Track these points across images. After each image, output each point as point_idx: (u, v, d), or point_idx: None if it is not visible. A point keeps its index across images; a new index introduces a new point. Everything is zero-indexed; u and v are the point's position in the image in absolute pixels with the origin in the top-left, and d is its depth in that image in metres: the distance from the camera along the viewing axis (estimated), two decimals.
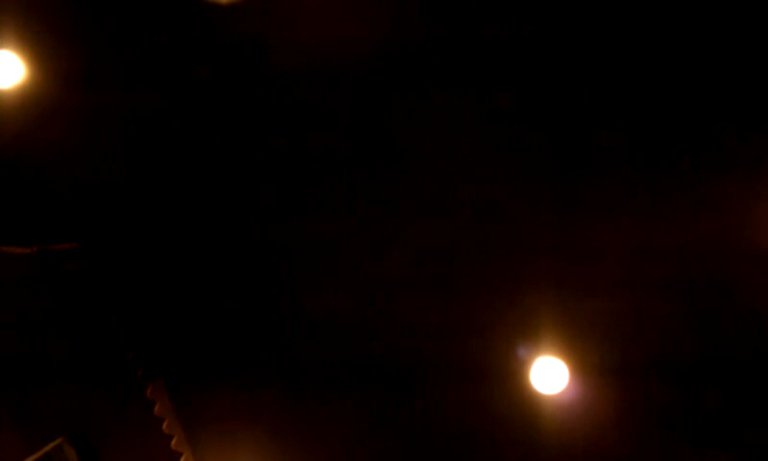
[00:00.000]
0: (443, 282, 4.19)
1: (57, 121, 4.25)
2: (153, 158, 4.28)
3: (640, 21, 4.16)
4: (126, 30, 4.29)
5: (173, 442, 3.96)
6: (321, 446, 4.15)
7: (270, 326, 4.21)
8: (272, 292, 4.23)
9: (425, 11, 4.24)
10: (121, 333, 4.04)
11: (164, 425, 3.97)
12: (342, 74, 4.26)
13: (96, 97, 4.28)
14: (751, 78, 4.11)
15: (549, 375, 4.09)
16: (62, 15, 4.28)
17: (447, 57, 4.24)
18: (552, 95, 4.19)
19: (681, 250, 4.10)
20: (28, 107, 4.24)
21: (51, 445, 3.84)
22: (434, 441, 4.17)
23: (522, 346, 4.12)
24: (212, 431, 4.09)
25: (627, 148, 4.15)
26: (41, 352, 3.98)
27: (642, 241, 4.11)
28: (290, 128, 4.28)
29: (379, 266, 4.21)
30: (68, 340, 4.00)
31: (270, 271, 4.24)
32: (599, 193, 4.15)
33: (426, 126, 4.24)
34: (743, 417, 4.07)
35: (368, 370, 4.17)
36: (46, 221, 4.21)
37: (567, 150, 4.18)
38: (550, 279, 4.12)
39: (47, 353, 3.98)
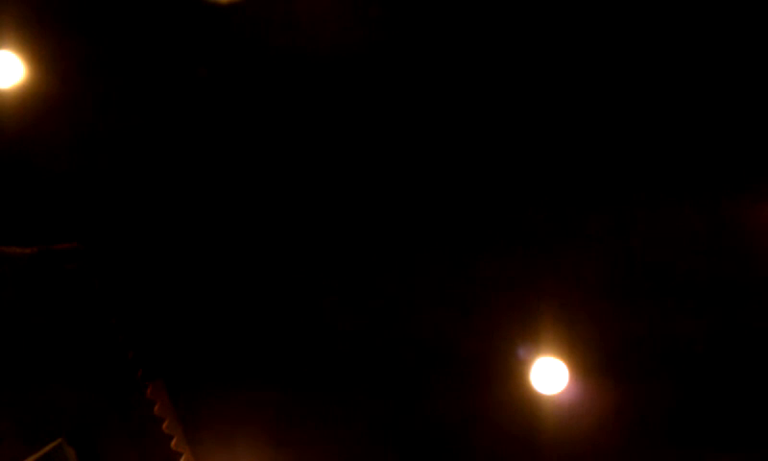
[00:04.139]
0: (443, 283, 4.19)
1: (57, 121, 4.25)
2: (153, 158, 4.28)
3: (641, 22, 4.17)
4: (126, 30, 4.29)
5: (173, 442, 3.96)
6: (321, 446, 4.15)
7: (270, 326, 4.21)
8: (271, 292, 4.23)
9: (425, 10, 4.24)
10: (121, 334, 4.04)
11: (164, 425, 3.97)
12: (341, 72, 4.26)
13: (96, 97, 4.28)
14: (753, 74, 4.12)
15: (549, 375, 4.09)
16: (62, 15, 4.28)
17: (446, 56, 4.24)
18: (553, 93, 4.19)
19: (681, 250, 4.10)
20: (28, 107, 4.24)
21: (51, 445, 3.84)
22: (434, 441, 4.17)
23: (522, 346, 4.12)
24: (212, 431, 4.09)
25: (629, 148, 4.16)
26: (41, 353, 3.98)
27: (643, 242, 4.12)
28: (290, 127, 4.28)
29: (380, 267, 4.21)
30: (68, 340, 4.00)
31: (270, 271, 4.24)
32: (600, 194, 4.15)
33: (425, 123, 4.24)
34: (743, 417, 4.07)
35: (368, 370, 4.17)
36: (46, 221, 4.21)
37: (569, 149, 4.18)
38: (550, 279, 4.13)
39: (47, 354, 3.98)
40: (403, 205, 4.22)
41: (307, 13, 4.26)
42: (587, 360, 4.09)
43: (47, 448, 3.83)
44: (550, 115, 4.19)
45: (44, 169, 4.24)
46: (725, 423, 4.07)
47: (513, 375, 4.12)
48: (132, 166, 4.27)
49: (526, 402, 4.10)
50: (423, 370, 4.17)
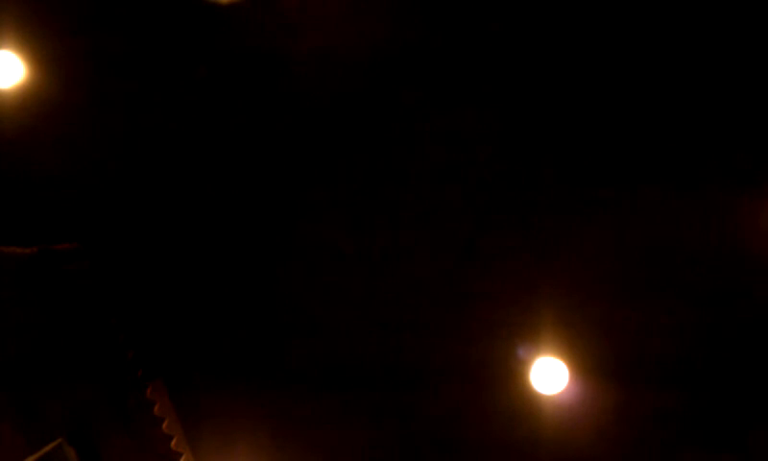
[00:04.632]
0: (443, 284, 4.19)
1: (57, 121, 4.25)
2: (153, 159, 4.28)
3: (643, 20, 4.17)
4: (126, 30, 4.29)
5: (173, 442, 3.97)
6: (321, 446, 4.15)
7: (270, 326, 4.21)
8: (272, 293, 4.23)
9: (430, 13, 4.24)
10: (121, 333, 4.04)
11: (164, 425, 3.97)
12: (342, 73, 4.26)
13: (96, 97, 4.28)
14: (753, 83, 4.12)
15: (549, 375, 4.09)
16: (62, 15, 4.28)
17: (453, 60, 4.24)
18: (553, 98, 4.19)
19: (680, 252, 4.10)
20: (28, 107, 4.24)
21: (51, 445, 3.84)
22: (434, 441, 4.17)
23: (522, 346, 4.12)
24: (212, 431, 4.09)
25: (628, 151, 4.15)
26: (41, 353, 3.98)
27: (642, 243, 4.12)
28: (290, 127, 4.28)
29: (379, 267, 4.21)
30: (68, 340, 4.00)
31: (270, 271, 4.24)
32: (600, 197, 4.15)
33: (429, 128, 4.24)
34: (742, 417, 4.07)
35: (368, 370, 4.18)
36: (46, 221, 4.21)
37: (569, 150, 4.18)
38: (550, 279, 4.13)
39: (47, 354, 3.99)
40: (403, 205, 4.22)
41: (306, 14, 4.26)
42: (587, 360, 4.09)
43: (47, 448, 3.84)
44: (550, 116, 4.19)
45: (44, 169, 4.25)
46: (724, 422, 4.07)
47: (513, 375, 4.12)
48: (132, 166, 4.27)
49: (526, 402, 4.10)
50: (423, 370, 4.17)
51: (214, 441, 4.09)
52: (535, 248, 4.16)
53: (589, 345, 4.10)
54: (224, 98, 4.29)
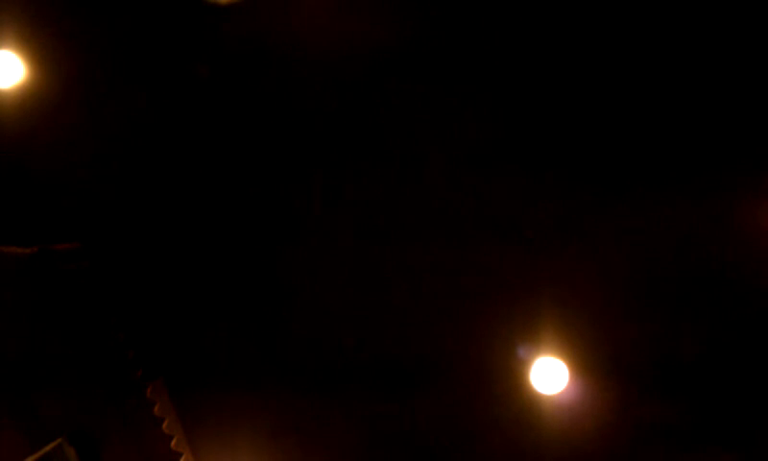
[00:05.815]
0: (443, 284, 4.19)
1: (57, 121, 4.26)
2: (153, 159, 4.28)
3: (638, 19, 4.17)
4: (126, 30, 4.30)
5: (173, 442, 3.97)
6: (321, 446, 4.15)
7: (270, 326, 4.22)
8: (272, 293, 4.24)
9: (423, 10, 4.24)
10: (121, 333, 4.04)
11: (164, 425, 3.98)
12: (339, 74, 4.27)
13: (96, 97, 4.29)
14: (748, 75, 4.12)
15: (549, 375, 4.09)
16: (62, 15, 4.28)
17: (445, 55, 4.24)
18: (549, 95, 4.19)
19: (681, 252, 4.10)
20: (28, 107, 4.24)
21: (51, 445, 3.85)
22: (434, 441, 4.17)
23: (522, 346, 4.12)
24: (212, 431, 4.10)
25: (626, 151, 4.16)
26: (41, 353, 3.99)
27: (643, 243, 4.12)
28: (289, 128, 4.28)
29: (379, 268, 4.21)
30: (68, 340, 4.00)
31: (270, 272, 4.24)
32: (600, 195, 4.15)
33: (425, 126, 4.24)
34: (742, 418, 4.07)
35: (368, 371, 4.18)
36: (46, 221, 4.21)
37: (567, 152, 4.18)
38: (550, 279, 4.13)
39: (47, 354, 3.99)
40: (403, 206, 4.22)
41: (305, 15, 4.26)
42: (587, 360, 4.10)
43: (47, 448, 3.84)
44: (550, 116, 4.19)
45: (44, 169, 4.25)
46: (723, 422, 4.07)
47: (513, 375, 4.12)
48: (133, 166, 4.27)
49: (526, 402, 4.11)
50: (424, 370, 4.18)
51: (214, 441, 4.09)
52: (535, 248, 4.16)
53: (589, 345, 4.10)
54: (223, 98, 4.30)
